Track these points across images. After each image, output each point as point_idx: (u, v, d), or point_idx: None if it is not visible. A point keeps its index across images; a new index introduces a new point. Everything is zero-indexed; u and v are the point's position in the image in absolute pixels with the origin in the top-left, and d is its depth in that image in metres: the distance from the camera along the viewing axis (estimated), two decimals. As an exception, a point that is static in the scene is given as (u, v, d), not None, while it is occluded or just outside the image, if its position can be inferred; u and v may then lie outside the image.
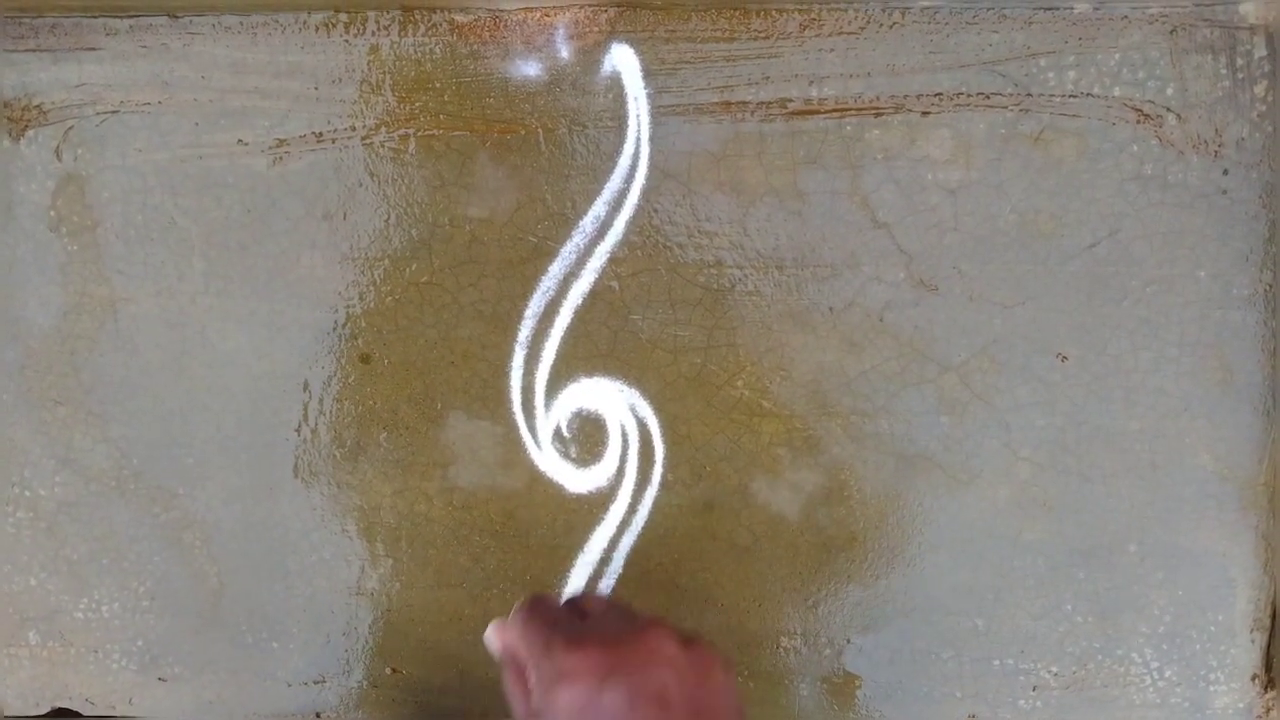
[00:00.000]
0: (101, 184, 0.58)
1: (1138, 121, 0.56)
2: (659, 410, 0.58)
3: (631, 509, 0.59)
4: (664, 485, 0.59)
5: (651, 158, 0.57)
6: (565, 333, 0.58)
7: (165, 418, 0.60)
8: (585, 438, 0.59)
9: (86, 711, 0.62)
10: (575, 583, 0.59)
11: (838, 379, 0.58)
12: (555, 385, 0.59)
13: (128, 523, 0.60)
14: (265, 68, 0.57)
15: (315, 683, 0.61)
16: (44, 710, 0.62)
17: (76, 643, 0.61)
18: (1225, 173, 0.56)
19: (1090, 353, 0.57)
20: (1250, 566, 0.58)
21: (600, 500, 0.59)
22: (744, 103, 0.57)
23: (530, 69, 0.57)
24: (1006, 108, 0.56)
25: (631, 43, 0.57)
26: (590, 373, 0.58)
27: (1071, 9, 0.55)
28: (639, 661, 0.41)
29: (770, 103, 0.56)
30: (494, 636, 0.48)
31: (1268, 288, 0.56)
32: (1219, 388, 0.57)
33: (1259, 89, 0.55)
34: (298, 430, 0.59)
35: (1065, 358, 0.57)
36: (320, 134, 0.58)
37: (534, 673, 0.43)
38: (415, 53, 0.57)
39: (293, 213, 0.58)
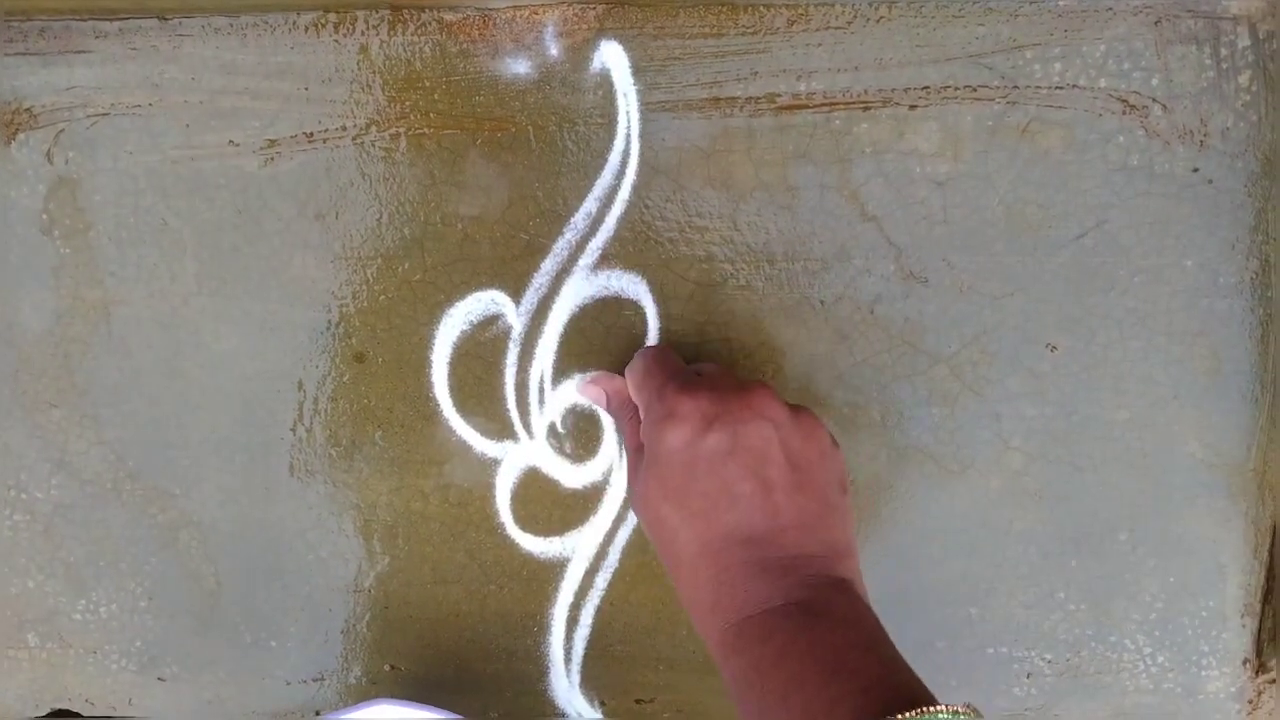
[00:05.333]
0: (93, 187, 0.58)
1: (1123, 112, 0.56)
2: (652, 405, 0.58)
3: (627, 503, 0.59)
4: (658, 479, 0.59)
5: (641, 154, 0.57)
6: (559, 329, 0.59)
7: (160, 419, 0.60)
8: (580, 433, 0.59)
9: (86, 712, 0.62)
10: (572, 579, 0.60)
11: (829, 371, 0.58)
12: (549, 381, 0.59)
13: (124, 524, 0.61)
14: (255, 69, 0.58)
15: (314, 681, 0.61)
16: (44, 712, 0.62)
17: (75, 644, 0.62)
18: (1206, 164, 0.56)
19: (1079, 343, 0.58)
20: (1240, 552, 0.58)
21: (595, 495, 0.59)
22: (733, 98, 0.57)
23: (520, 67, 0.57)
24: (993, 100, 0.56)
25: (620, 39, 0.57)
26: (584, 368, 0.59)
27: (1057, 1, 0.56)
28: (745, 414, 0.44)
29: (759, 98, 0.57)
30: (594, 385, 0.56)
31: (1254, 275, 0.57)
32: (1207, 376, 0.58)
33: (1243, 79, 0.56)
34: (293, 430, 0.60)
35: (1055, 348, 0.58)
36: (311, 134, 0.58)
37: (646, 412, 0.47)
38: (405, 52, 0.57)
39: (285, 213, 0.58)
